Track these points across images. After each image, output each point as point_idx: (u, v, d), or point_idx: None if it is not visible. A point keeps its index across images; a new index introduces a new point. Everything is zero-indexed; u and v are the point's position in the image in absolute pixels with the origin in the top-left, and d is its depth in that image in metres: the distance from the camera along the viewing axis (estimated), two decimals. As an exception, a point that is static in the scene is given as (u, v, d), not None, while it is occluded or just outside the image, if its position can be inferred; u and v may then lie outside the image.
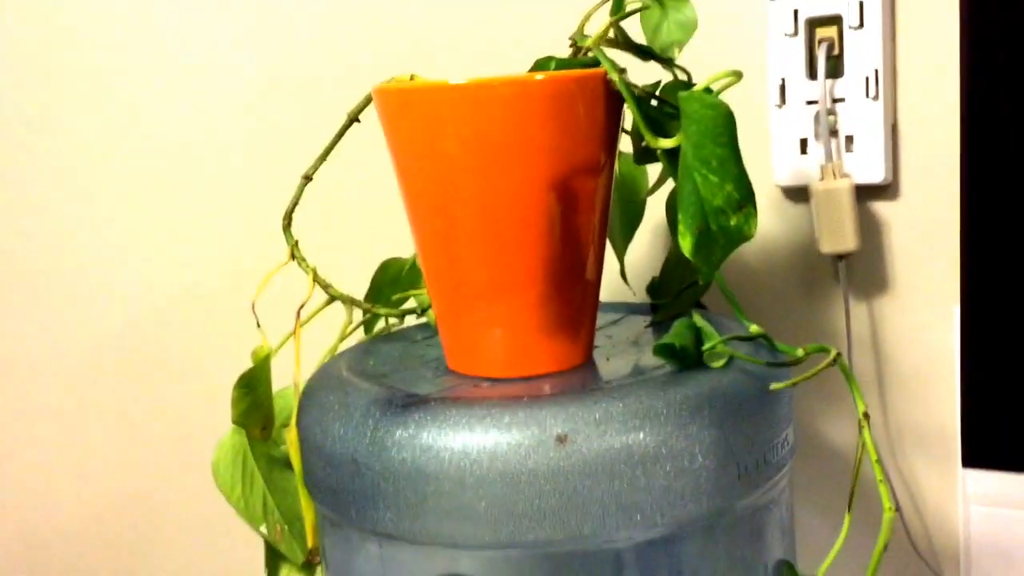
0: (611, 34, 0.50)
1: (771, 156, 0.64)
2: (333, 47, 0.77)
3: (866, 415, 0.46)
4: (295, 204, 0.57)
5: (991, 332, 0.41)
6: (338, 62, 0.77)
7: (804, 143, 0.63)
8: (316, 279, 0.57)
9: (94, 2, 0.84)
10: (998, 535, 0.62)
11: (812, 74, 0.62)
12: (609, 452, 0.43)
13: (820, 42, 0.62)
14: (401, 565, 0.47)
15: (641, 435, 0.44)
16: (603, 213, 0.51)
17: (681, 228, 0.41)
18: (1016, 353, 0.37)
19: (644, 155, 0.49)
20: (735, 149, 0.40)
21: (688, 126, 0.40)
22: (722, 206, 0.40)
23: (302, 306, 0.56)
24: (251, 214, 0.82)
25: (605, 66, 0.47)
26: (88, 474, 0.93)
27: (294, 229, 0.57)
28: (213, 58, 0.81)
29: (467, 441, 0.44)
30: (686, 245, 0.41)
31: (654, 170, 0.60)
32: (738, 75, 0.41)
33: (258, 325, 0.56)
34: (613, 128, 0.50)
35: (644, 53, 0.51)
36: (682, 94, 0.40)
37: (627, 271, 0.66)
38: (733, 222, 0.41)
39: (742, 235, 0.41)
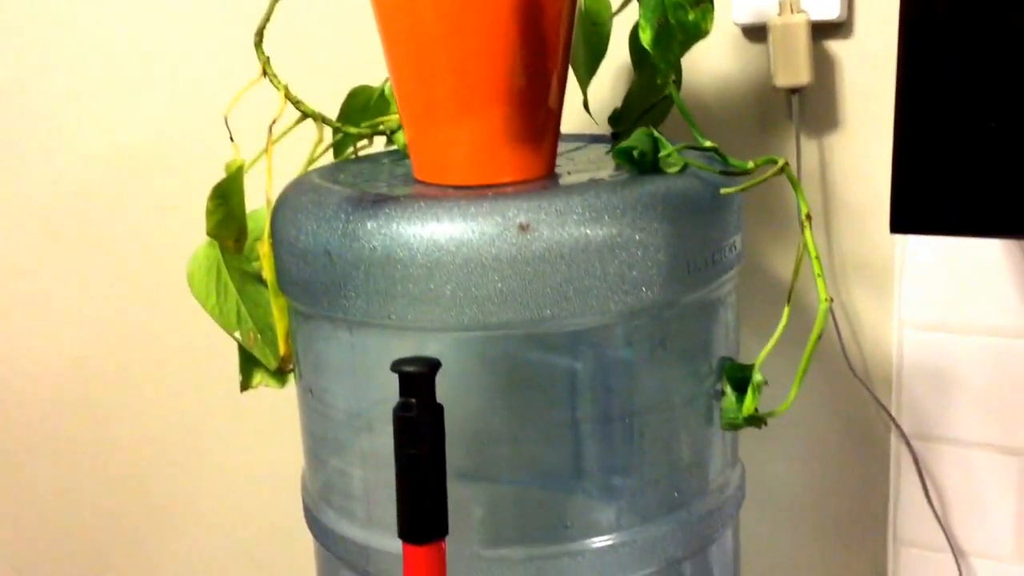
0: None
1: (731, -7, 0.66)
2: None
3: (808, 216, 0.49)
4: (267, 20, 0.58)
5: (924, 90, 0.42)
6: None
7: (764, -20, 0.65)
8: (287, 96, 0.58)
9: None
10: (928, 358, 0.67)
11: (774, -90, 0.64)
12: (568, 241, 0.46)
13: None
14: (370, 350, 0.50)
15: (598, 227, 0.47)
16: (567, 36, 0.53)
17: (641, 22, 0.43)
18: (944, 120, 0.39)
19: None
20: (695, -57, 0.42)
21: (650, -81, 0.42)
22: (681, 1, 0.43)
23: (274, 122, 0.57)
24: (225, 33, 0.82)
25: None
26: (57, 323, 0.95)
27: (266, 47, 0.58)
28: None
29: (435, 230, 0.47)
30: (646, 38, 0.44)
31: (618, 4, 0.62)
32: None
33: (231, 139, 0.58)
34: (578, -58, 0.51)
35: None
36: None
37: (592, 110, 0.68)
38: (691, 16, 0.43)
39: (699, 30, 0.43)
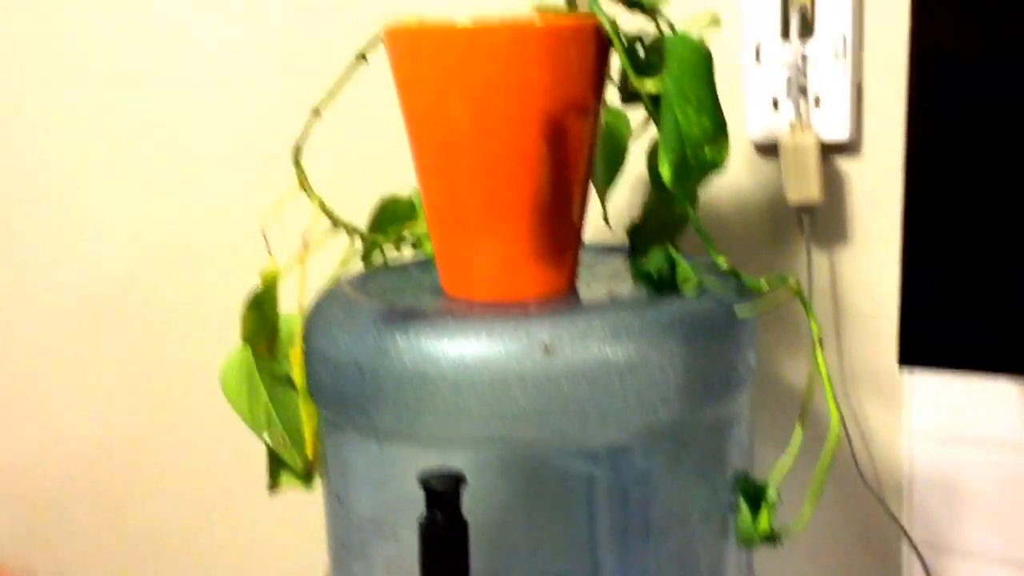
0: (603, -13, 0.55)
1: (745, 113, 0.69)
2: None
3: (820, 339, 0.51)
4: (305, 137, 0.61)
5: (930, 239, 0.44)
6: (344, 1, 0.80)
7: (776, 102, 0.68)
8: (322, 207, 0.61)
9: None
10: (939, 470, 0.68)
11: (786, 35, 0.67)
12: (589, 361, 0.48)
13: (795, 4, 0.67)
14: (398, 461, 0.52)
15: (619, 348, 0.49)
16: (589, 153, 0.56)
17: (661, 157, 0.46)
18: (952, 259, 0.41)
19: (629, 97, 0.54)
20: (712, 86, 0.45)
21: (671, 64, 0.45)
22: (699, 137, 0.45)
23: (308, 232, 0.60)
24: (259, 147, 0.86)
25: (598, 15, 0.52)
26: (92, 404, 0.97)
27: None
28: None
29: (463, 348, 0.49)
30: (666, 172, 0.46)
31: (636, 124, 0.65)
32: (716, 19, 0.46)
33: (268, 250, 0.61)
34: (601, 73, 0.55)
35: (632, 4, 0.56)
36: (668, 38, 0.45)
37: (609, 218, 0.70)
38: (708, 151, 0.46)
39: (715, 164, 0.46)
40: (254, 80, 0.85)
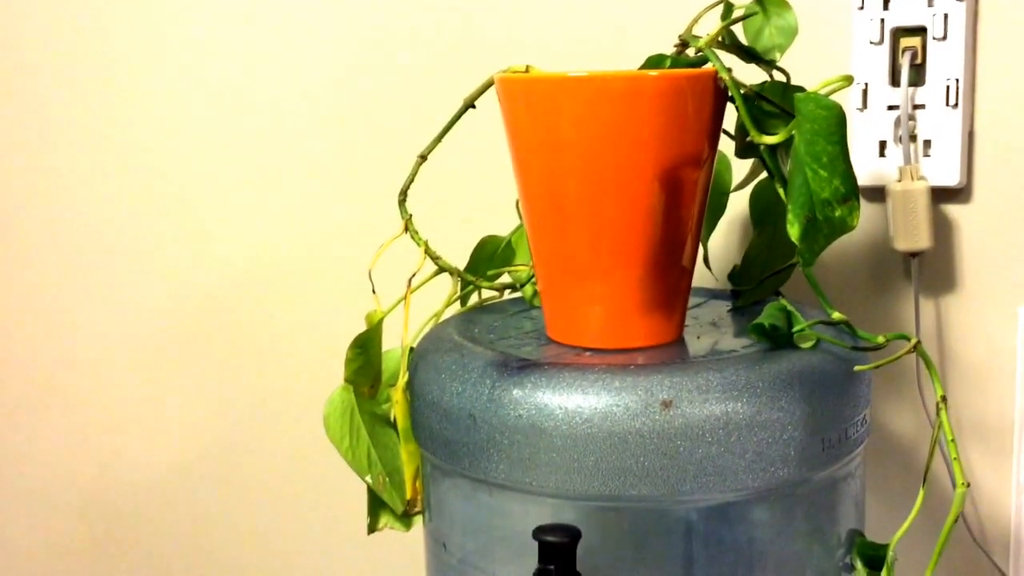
0: (720, 36, 0.54)
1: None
2: (451, 35, 0.81)
3: (944, 398, 0.50)
4: (411, 181, 0.61)
5: None
6: (453, 49, 0.81)
7: (883, 146, 0.67)
8: (427, 251, 0.61)
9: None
10: (1048, 524, 0.66)
11: (894, 81, 0.66)
12: (709, 418, 0.48)
13: (904, 51, 0.65)
14: (510, 513, 0.52)
15: (738, 404, 0.48)
16: (702, 203, 0.56)
17: (790, 217, 0.45)
18: None
19: (746, 150, 0.53)
20: (844, 147, 0.44)
21: (802, 124, 0.45)
22: (829, 198, 0.45)
23: (413, 275, 0.61)
24: (359, 187, 0.87)
25: (716, 66, 0.51)
26: (166, 432, 0.99)
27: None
28: (332, 34, 0.86)
29: (580, 402, 0.48)
30: (794, 232, 0.46)
31: (736, 166, 0.64)
32: (849, 79, 0.46)
33: (373, 290, 0.61)
34: (717, 124, 0.54)
35: (748, 55, 0.55)
36: (799, 95, 0.45)
37: (708, 259, 0.70)
38: (838, 213, 0.45)
39: (846, 225, 0.45)
40: (364, 120, 0.86)
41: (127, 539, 1.02)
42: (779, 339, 0.52)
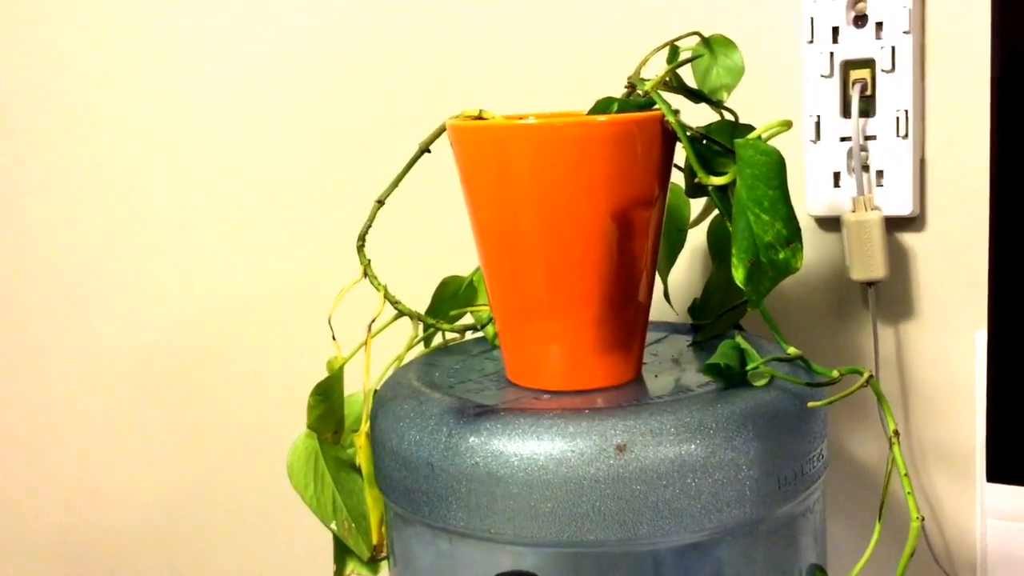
0: (666, 78, 0.55)
1: (805, 188, 0.69)
2: (408, 79, 0.82)
3: (896, 432, 0.50)
4: (368, 226, 0.62)
5: (1015, 351, 0.45)
6: (407, 92, 0.82)
7: (837, 176, 0.68)
8: (387, 296, 0.62)
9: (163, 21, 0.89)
10: (1014, 548, 0.66)
11: (846, 112, 0.67)
12: (664, 461, 0.48)
13: (854, 83, 0.66)
14: (469, 560, 0.52)
15: (692, 446, 0.48)
16: (655, 241, 0.56)
17: (734, 261, 0.46)
18: None
19: (695, 190, 0.54)
20: (785, 191, 0.45)
21: (743, 169, 0.45)
22: (772, 242, 0.45)
23: (373, 320, 0.61)
24: (317, 232, 0.87)
25: (662, 108, 0.52)
26: (140, 472, 0.98)
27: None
28: (289, 81, 0.86)
29: (535, 448, 0.49)
30: (739, 276, 0.46)
31: (695, 200, 0.65)
32: (788, 124, 0.46)
33: (333, 337, 0.61)
34: (667, 164, 0.55)
35: (695, 96, 0.56)
36: (739, 141, 0.45)
37: (669, 293, 0.70)
38: (781, 256, 0.45)
39: (789, 268, 0.46)
40: (321, 164, 0.86)
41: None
42: (733, 378, 0.52)
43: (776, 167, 0.44)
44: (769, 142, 0.47)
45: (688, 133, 0.52)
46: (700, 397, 0.51)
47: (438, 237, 0.82)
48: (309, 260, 0.88)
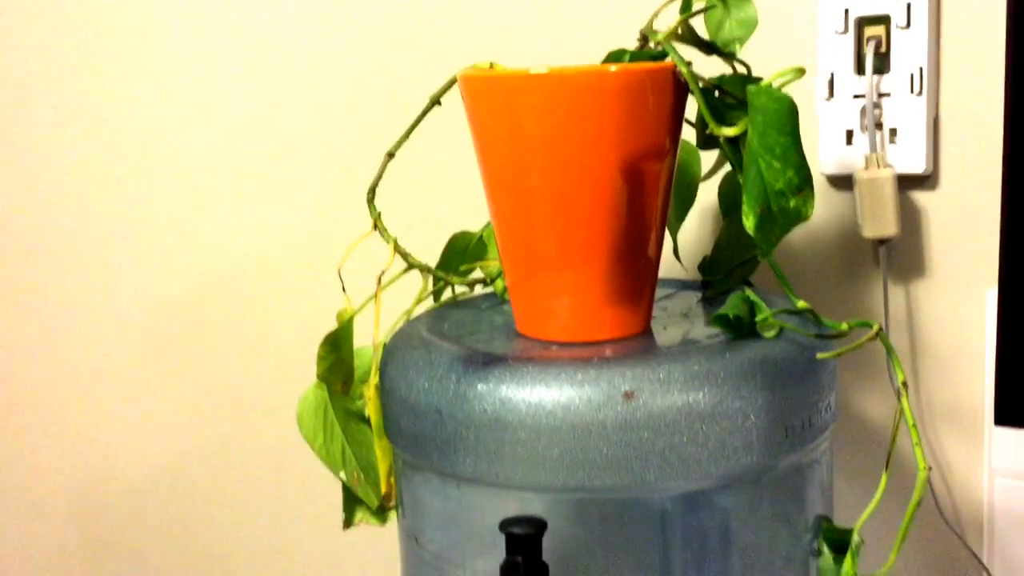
0: (679, 30, 0.55)
1: (818, 146, 0.69)
2: (418, 32, 0.81)
3: (905, 384, 0.50)
4: (379, 178, 0.62)
5: None
6: (418, 46, 0.81)
7: (850, 134, 0.67)
8: (397, 248, 0.62)
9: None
10: (1021, 507, 0.66)
11: (860, 69, 0.67)
12: (671, 409, 0.48)
13: (868, 40, 0.66)
14: (477, 506, 0.52)
15: (700, 394, 0.49)
16: (665, 194, 0.56)
17: (745, 208, 0.46)
18: None
19: (707, 142, 0.54)
20: (797, 139, 0.45)
21: (755, 117, 0.45)
22: (783, 189, 0.45)
23: (383, 272, 0.61)
24: (328, 185, 0.87)
25: (675, 59, 0.52)
26: (152, 431, 0.99)
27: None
28: (299, 36, 0.86)
29: (543, 395, 0.49)
30: (749, 224, 0.46)
31: (706, 157, 0.65)
32: (801, 71, 0.46)
33: (343, 289, 0.62)
34: (678, 116, 0.54)
35: (708, 48, 0.56)
36: (751, 88, 0.45)
37: (679, 250, 0.70)
38: (792, 204, 0.45)
39: (800, 216, 0.46)
40: (331, 119, 0.86)
41: (117, 538, 1.02)
42: (742, 329, 0.52)
43: (788, 114, 0.44)
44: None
45: (700, 84, 0.52)
46: (709, 347, 0.52)
47: (449, 192, 0.82)
48: (320, 215, 0.88)
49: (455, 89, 0.58)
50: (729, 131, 0.50)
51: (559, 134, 0.52)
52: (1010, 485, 0.67)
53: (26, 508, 1.06)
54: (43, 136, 0.97)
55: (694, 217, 0.74)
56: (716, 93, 0.52)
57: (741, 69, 0.57)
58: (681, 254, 0.74)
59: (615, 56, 0.54)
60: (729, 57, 0.56)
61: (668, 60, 0.53)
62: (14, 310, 1.02)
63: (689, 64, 0.52)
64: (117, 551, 1.03)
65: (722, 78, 0.54)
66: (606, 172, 0.53)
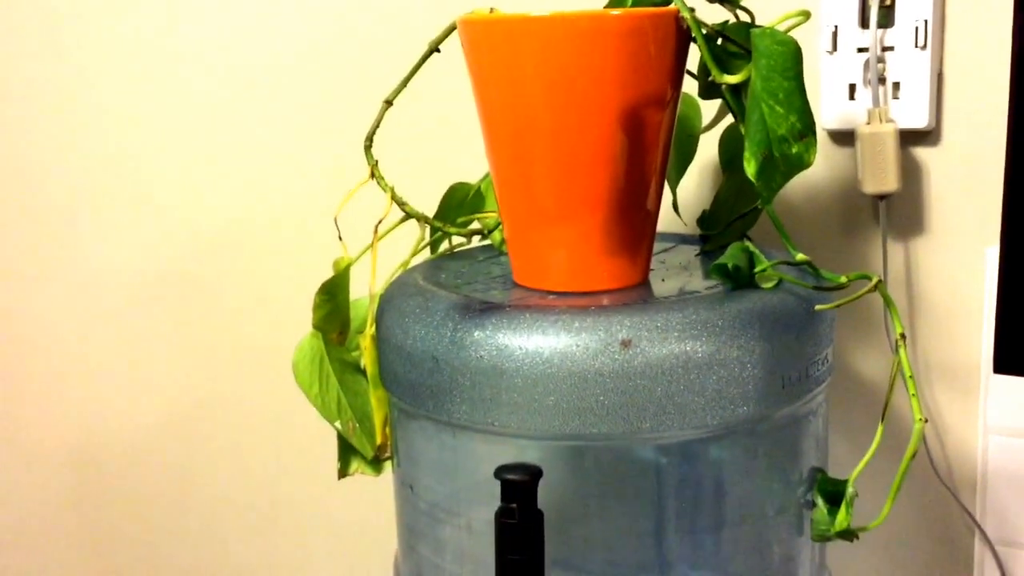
0: (682, -25, 0.54)
1: (820, 100, 0.68)
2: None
3: (903, 335, 0.50)
4: (376, 126, 0.61)
5: None
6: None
7: (852, 89, 0.67)
8: (394, 197, 0.61)
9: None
10: (1015, 464, 0.67)
11: (863, 23, 0.66)
12: (668, 357, 0.48)
13: (874, -8, 0.65)
14: (472, 453, 0.52)
15: (697, 343, 0.48)
16: (665, 146, 0.55)
17: (747, 155, 0.45)
18: None
19: (709, 90, 0.53)
20: (800, 83, 0.44)
21: (759, 60, 0.44)
22: (785, 135, 0.44)
23: (380, 221, 0.60)
24: (329, 134, 0.86)
25: (678, 4, 0.51)
26: (149, 381, 0.99)
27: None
28: (285, -11, 0.85)
29: (540, 343, 0.49)
30: (751, 170, 0.45)
31: (706, 112, 0.64)
32: (806, 14, 0.45)
33: (340, 237, 0.61)
34: (680, 65, 0.54)
35: (711, -6, 0.55)
36: (755, 30, 0.44)
37: (678, 204, 0.69)
38: (795, 150, 0.45)
39: (802, 162, 0.45)
40: (327, 67, 0.85)
41: (114, 489, 1.03)
42: (741, 279, 0.52)
43: (793, 57, 0.44)
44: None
45: (703, 31, 0.51)
46: (707, 297, 0.51)
47: (447, 143, 0.82)
48: (318, 164, 0.87)
49: (455, 36, 0.57)
50: (732, 78, 0.49)
51: (560, 80, 0.51)
52: (1004, 443, 0.67)
53: (24, 460, 1.06)
54: (33, 96, 0.96)
55: (694, 172, 0.73)
56: (719, 40, 0.52)
57: (744, 17, 0.56)
58: (681, 209, 0.73)
59: (618, 1, 0.53)
60: (733, 5, 0.55)
61: (671, 6, 0.52)
62: (11, 264, 1.01)
63: (692, 10, 0.52)
64: (114, 502, 1.03)
65: (725, 25, 0.53)
66: (606, 119, 0.52)
